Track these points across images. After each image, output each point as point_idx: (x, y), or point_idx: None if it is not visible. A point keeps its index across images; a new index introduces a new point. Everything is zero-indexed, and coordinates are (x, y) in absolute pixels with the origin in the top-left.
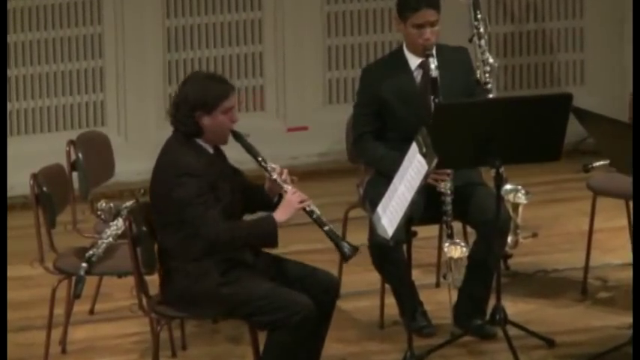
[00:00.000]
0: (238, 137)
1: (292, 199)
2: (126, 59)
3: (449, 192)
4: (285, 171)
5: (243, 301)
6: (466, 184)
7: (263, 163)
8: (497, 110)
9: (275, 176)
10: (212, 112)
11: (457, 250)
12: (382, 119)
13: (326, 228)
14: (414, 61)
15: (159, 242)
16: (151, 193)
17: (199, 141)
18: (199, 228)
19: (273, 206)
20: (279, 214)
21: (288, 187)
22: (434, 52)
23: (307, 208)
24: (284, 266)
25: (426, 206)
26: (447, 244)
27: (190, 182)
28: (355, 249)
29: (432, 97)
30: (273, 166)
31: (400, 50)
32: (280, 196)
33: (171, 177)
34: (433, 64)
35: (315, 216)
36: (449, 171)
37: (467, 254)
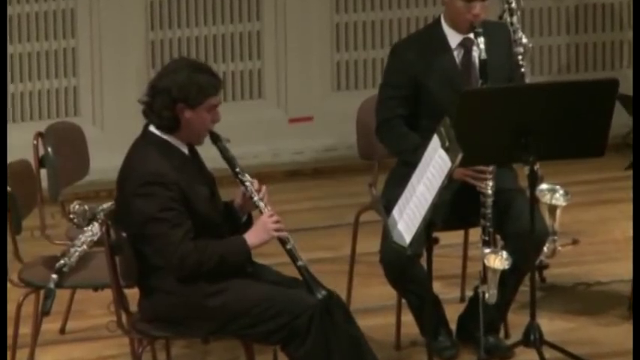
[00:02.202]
0: (217, 140)
1: (268, 222)
2: (102, 38)
3: (490, 192)
4: (264, 187)
5: (237, 312)
6: (500, 190)
7: (240, 176)
8: (531, 98)
9: (253, 194)
10: (197, 107)
11: (498, 261)
12: (414, 104)
13: (299, 263)
14: (454, 39)
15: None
16: (116, 200)
17: (172, 139)
18: (161, 249)
19: (240, 226)
20: (252, 238)
21: (265, 208)
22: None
23: (282, 236)
24: (279, 275)
25: (452, 208)
26: (486, 251)
27: (156, 193)
28: (329, 296)
29: (481, 82)
30: (251, 180)
31: (437, 25)
32: (249, 216)
33: (134, 187)
34: (482, 44)
35: (288, 247)
36: (490, 168)
37: (508, 267)
